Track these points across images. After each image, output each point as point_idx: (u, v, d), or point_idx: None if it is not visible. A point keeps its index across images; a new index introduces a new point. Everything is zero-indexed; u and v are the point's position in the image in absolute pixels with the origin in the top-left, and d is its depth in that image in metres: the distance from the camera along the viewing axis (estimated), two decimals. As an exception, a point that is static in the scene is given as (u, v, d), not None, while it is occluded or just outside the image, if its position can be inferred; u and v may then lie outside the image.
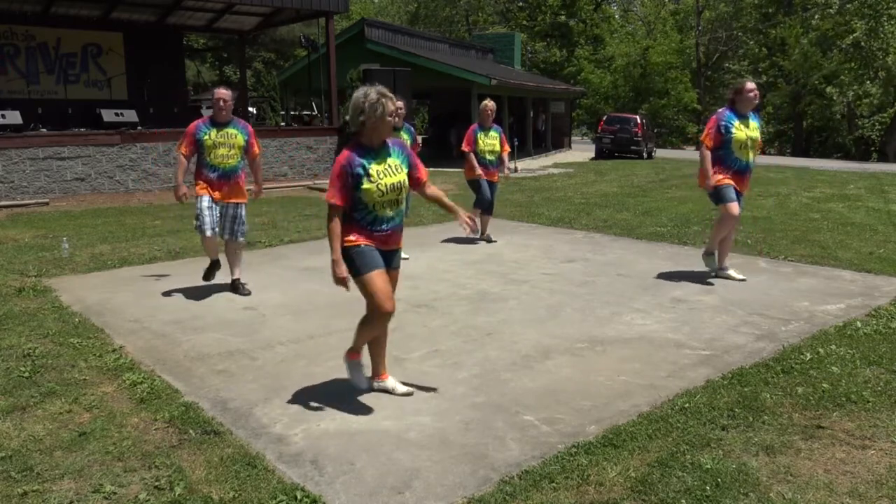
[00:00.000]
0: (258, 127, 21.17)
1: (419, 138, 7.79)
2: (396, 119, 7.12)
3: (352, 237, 3.49)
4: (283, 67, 31.62)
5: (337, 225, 3.46)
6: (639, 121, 25.36)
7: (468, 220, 3.70)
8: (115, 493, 2.82)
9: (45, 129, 13.50)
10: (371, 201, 3.46)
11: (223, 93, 5.77)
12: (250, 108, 25.83)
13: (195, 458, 3.10)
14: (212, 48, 38.33)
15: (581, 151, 29.60)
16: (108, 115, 14.09)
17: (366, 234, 3.51)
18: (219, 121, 5.76)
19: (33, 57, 15.85)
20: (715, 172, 5.93)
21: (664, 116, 39.65)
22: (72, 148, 12.69)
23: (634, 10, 52.94)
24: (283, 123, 23.08)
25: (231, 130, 5.77)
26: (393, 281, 3.64)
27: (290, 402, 3.71)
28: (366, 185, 3.42)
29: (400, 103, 7.18)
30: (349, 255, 3.49)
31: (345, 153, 3.48)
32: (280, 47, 35.60)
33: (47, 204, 11.92)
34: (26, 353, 4.42)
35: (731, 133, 5.82)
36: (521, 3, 48.60)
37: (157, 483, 2.89)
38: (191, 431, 3.34)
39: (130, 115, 14.45)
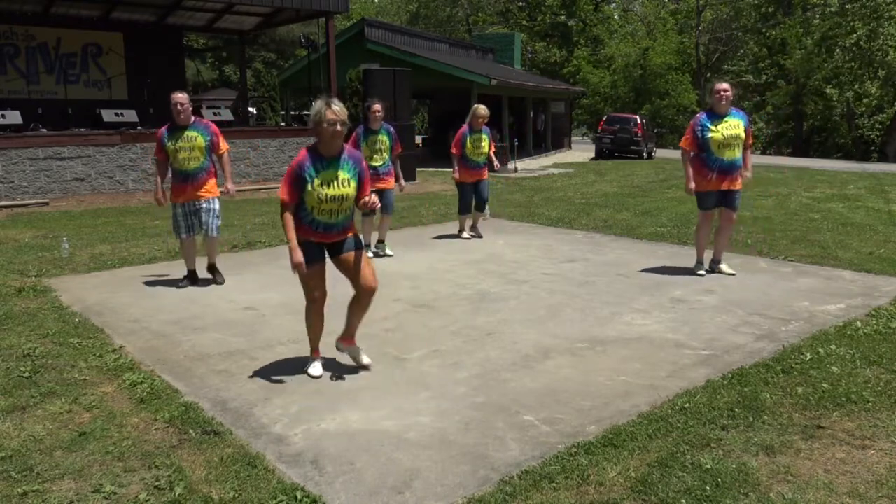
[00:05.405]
0: (258, 127, 21.26)
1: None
2: (371, 121, 7.14)
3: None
4: (283, 67, 31.62)
5: (288, 218, 3.79)
6: (639, 121, 25.37)
7: (368, 201, 3.88)
8: (115, 493, 2.83)
9: (45, 129, 13.49)
10: (310, 205, 3.78)
11: (179, 97, 5.88)
12: (250, 108, 25.82)
13: (195, 458, 3.10)
14: (212, 48, 38.35)
15: (581, 151, 29.61)
16: (108, 115, 14.09)
17: (303, 230, 3.83)
18: (178, 124, 5.91)
19: (33, 57, 15.86)
20: (700, 175, 6.22)
21: (664, 117, 39.61)
22: (72, 148, 12.69)
23: (634, 9, 52.88)
24: (283, 123, 23.08)
25: (190, 133, 5.92)
26: (354, 261, 3.97)
27: (290, 402, 3.71)
28: (308, 190, 3.74)
29: (377, 106, 7.23)
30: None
31: (301, 155, 3.78)
32: (280, 47, 35.61)
33: (47, 204, 11.92)
34: (26, 353, 4.42)
35: (707, 135, 6.05)
36: (521, 3, 48.57)
37: (157, 483, 2.89)
38: (191, 431, 3.34)
39: (130, 115, 14.45)
